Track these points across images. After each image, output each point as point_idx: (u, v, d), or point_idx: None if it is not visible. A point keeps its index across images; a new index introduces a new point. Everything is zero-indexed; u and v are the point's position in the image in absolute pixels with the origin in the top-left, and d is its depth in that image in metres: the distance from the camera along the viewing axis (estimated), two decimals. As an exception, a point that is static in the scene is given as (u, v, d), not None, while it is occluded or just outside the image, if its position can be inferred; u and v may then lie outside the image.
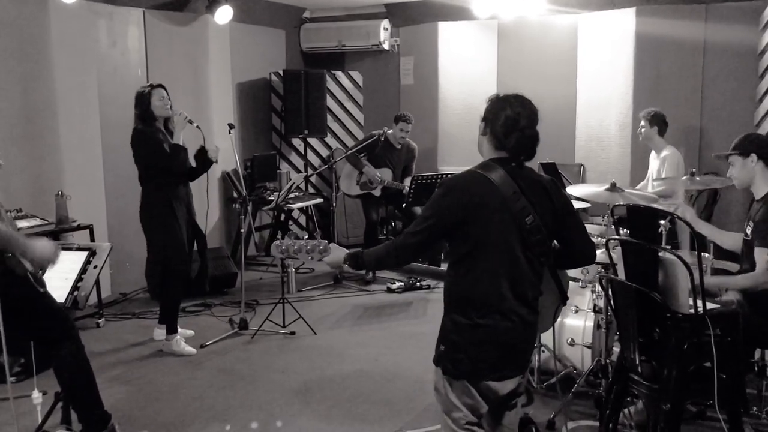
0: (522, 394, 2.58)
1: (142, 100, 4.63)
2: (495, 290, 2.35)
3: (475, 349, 2.37)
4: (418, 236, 2.41)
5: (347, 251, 2.59)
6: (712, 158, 6.47)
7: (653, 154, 5.90)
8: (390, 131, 6.67)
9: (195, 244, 4.98)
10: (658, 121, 5.61)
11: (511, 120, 2.39)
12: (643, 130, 5.66)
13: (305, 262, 2.42)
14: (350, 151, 6.75)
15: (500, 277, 2.35)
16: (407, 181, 6.57)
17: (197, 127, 4.73)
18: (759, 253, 3.17)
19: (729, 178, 3.58)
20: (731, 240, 3.65)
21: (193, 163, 4.88)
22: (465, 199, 2.34)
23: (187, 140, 4.76)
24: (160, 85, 4.71)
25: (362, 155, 6.72)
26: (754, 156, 3.34)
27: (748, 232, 3.29)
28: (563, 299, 2.69)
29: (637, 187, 6.03)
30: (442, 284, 2.53)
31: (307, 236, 2.64)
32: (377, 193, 6.78)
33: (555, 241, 2.53)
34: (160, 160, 4.58)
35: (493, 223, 2.33)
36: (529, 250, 2.38)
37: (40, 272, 3.13)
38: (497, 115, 2.42)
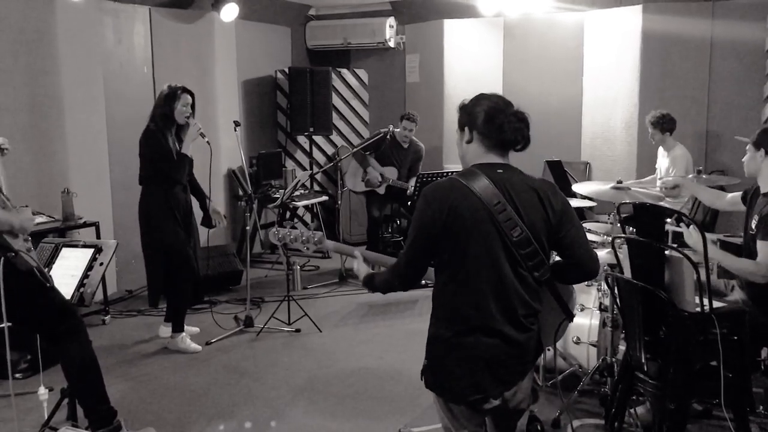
0: (524, 410, 2.41)
1: (170, 100, 4.58)
2: (477, 305, 2.20)
3: (455, 366, 2.23)
4: (409, 255, 2.29)
5: (369, 272, 2.53)
6: (719, 155, 6.49)
7: (662, 151, 5.91)
8: (397, 130, 6.67)
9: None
10: (665, 124, 5.66)
11: (492, 109, 2.25)
12: (654, 137, 5.74)
13: (303, 251, 2.47)
14: (357, 148, 6.75)
15: (483, 292, 2.19)
16: (412, 182, 6.56)
17: (207, 142, 4.67)
18: (762, 245, 3.15)
19: (735, 176, 3.58)
20: (711, 196, 3.88)
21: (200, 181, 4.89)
22: (443, 209, 2.18)
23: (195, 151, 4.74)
24: (189, 91, 4.67)
25: (369, 153, 6.72)
26: (762, 151, 3.35)
27: (753, 226, 3.28)
28: (569, 316, 2.51)
29: (642, 180, 6.05)
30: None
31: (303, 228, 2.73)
32: (381, 191, 6.78)
33: (555, 253, 2.37)
34: (164, 165, 4.55)
35: (474, 235, 2.17)
36: (520, 265, 2.20)
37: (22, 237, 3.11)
38: (475, 112, 2.27)
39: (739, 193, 3.68)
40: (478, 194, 2.18)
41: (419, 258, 2.29)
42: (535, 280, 2.25)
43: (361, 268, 2.56)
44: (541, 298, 2.32)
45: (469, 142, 2.31)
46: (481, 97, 2.31)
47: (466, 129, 2.31)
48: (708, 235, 3.00)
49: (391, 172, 6.75)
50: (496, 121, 2.24)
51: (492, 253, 2.18)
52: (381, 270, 2.52)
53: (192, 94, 4.68)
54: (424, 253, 2.27)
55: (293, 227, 2.76)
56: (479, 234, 2.18)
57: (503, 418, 2.38)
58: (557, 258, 2.40)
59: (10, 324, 3.08)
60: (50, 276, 3.21)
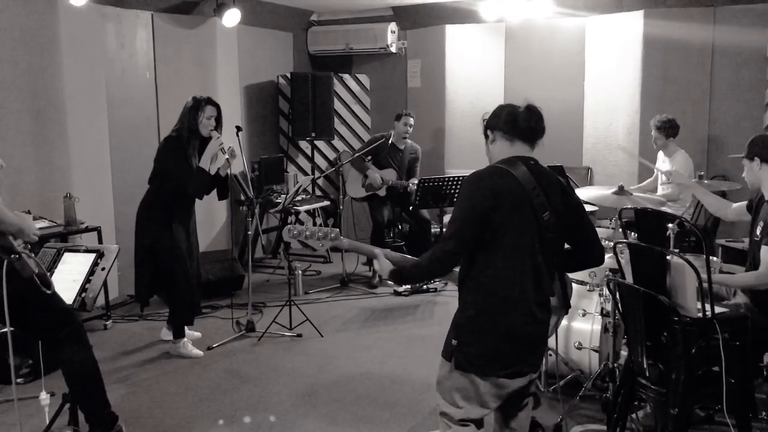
0: (533, 395, 2.58)
1: (194, 112, 4.50)
2: (516, 284, 2.37)
3: (490, 343, 2.38)
4: (453, 241, 2.39)
5: (392, 267, 2.58)
6: (720, 161, 6.49)
7: (661, 156, 5.91)
8: (394, 131, 6.71)
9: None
10: (670, 129, 5.69)
11: (512, 113, 2.51)
12: (657, 141, 5.76)
13: (316, 249, 2.47)
14: (356, 155, 6.78)
15: (521, 271, 2.37)
16: (412, 181, 6.61)
17: (227, 159, 4.60)
18: (765, 251, 3.16)
19: (736, 182, 3.59)
20: (717, 203, 3.96)
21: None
22: (490, 190, 2.36)
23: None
24: (214, 103, 4.59)
25: (368, 158, 6.75)
26: (757, 159, 3.35)
27: (758, 232, 3.28)
28: (566, 307, 2.66)
29: (643, 184, 6.07)
30: (449, 286, 2.53)
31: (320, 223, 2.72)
32: (382, 193, 6.80)
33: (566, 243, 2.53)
34: (179, 177, 4.48)
35: (516, 216, 2.36)
36: (545, 247, 2.40)
37: (23, 244, 3.09)
38: (499, 116, 2.53)
39: (744, 203, 3.67)
40: (519, 178, 2.37)
41: (468, 240, 2.40)
42: (552, 265, 2.46)
43: (384, 264, 2.62)
44: (554, 282, 2.52)
45: (493, 142, 2.54)
46: (505, 104, 2.59)
47: (489, 132, 2.56)
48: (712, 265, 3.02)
49: (390, 174, 6.79)
50: (511, 115, 2.50)
51: (528, 233, 2.39)
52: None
53: (217, 106, 4.61)
54: (472, 236, 2.39)
55: (313, 223, 2.78)
56: (519, 215, 2.37)
57: (515, 403, 2.53)
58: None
59: (12, 329, 3.08)
60: (51, 281, 3.19)
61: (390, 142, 6.64)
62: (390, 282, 2.67)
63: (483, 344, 2.39)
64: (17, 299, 2.97)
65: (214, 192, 4.86)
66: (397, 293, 6.28)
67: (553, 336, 2.77)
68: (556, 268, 2.51)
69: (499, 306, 2.38)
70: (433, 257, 2.44)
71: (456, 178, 6.22)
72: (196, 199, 4.77)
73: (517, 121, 2.48)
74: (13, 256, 2.94)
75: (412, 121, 6.73)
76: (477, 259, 2.41)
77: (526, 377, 2.46)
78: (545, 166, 2.54)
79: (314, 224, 8.10)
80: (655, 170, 6.01)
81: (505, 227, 2.35)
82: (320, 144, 8.20)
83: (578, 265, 2.72)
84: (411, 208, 6.66)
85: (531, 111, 2.51)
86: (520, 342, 2.40)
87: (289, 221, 7.60)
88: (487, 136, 2.58)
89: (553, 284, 2.49)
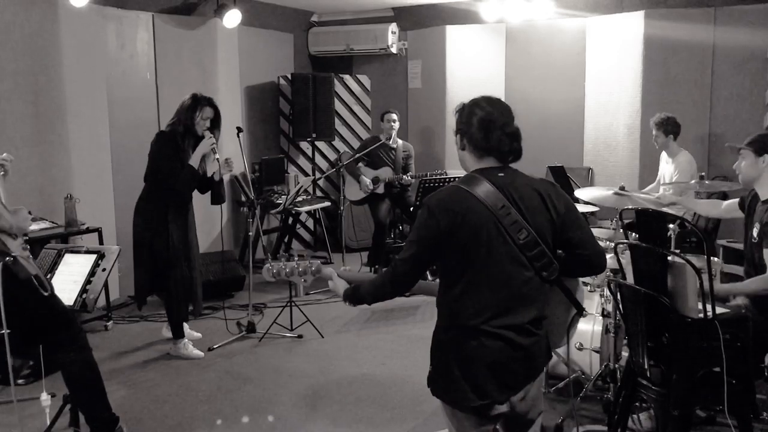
0: (534, 420, 2.38)
1: (191, 110, 4.51)
2: (480, 310, 2.19)
3: (459, 372, 2.21)
4: (409, 263, 2.26)
5: (346, 287, 2.46)
6: (721, 161, 6.48)
7: (665, 156, 5.90)
8: (383, 131, 6.79)
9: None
10: (669, 126, 5.66)
11: (486, 121, 2.24)
12: (658, 139, 5.74)
13: (301, 284, 2.34)
14: (355, 156, 6.84)
15: (486, 297, 2.19)
16: (407, 176, 6.76)
17: (216, 159, 4.59)
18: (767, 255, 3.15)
19: (736, 182, 3.58)
20: (708, 207, 4.10)
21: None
22: (448, 220, 2.16)
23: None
24: (213, 104, 4.59)
25: (363, 162, 6.85)
26: (767, 157, 3.33)
27: (755, 234, 3.27)
28: (579, 310, 2.49)
29: (646, 190, 6.05)
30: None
31: (297, 258, 2.52)
32: (381, 190, 6.83)
33: (561, 251, 2.33)
34: (167, 174, 4.49)
35: (479, 241, 2.16)
36: (526, 268, 2.20)
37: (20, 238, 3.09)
38: (470, 122, 2.26)
39: (735, 201, 3.67)
40: (482, 199, 2.17)
41: (419, 266, 2.27)
42: (543, 280, 2.25)
43: (339, 283, 2.51)
44: (547, 300, 2.31)
45: (462, 149, 2.32)
46: (475, 105, 2.30)
47: (459, 136, 2.32)
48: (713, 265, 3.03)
49: (387, 172, 6.85)
50: (486, 134, 2.24)
51: (496, 258, 2.18)
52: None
53: (215, 108, 4.60)
54: (424, 263, 2.27)
55: (288, 259, 2.65)
56: (484, 240, 2.17)
57: (512, 426, 2.36)
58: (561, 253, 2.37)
59: (9, 331, 3.07)
60: (50, 284, 3.19)
61: (388, 142, 6.73)
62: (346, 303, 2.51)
63: (452, 373, 2.22)
64: (15, 301, 2.96)
65: (209, 195, 4.86)
66: (397, 294, 6.28)
67: (564, 339, 2.58)
68: (554, 282, 2.31)
69: (463, 332, 2.21)
70: (387, 279, 2.32)
71: (456, 179, 6.21)
72: (194, 198, 4.77)
73: (489, 139, 2.23)
74: (7, 258, 2.94)
75: (394, 116, 6.87)
76: (445, 282, 2.27)
77: (505, 404, 2.25)
78: (522, 172, 2.31)
79: (314, 226, 8.10)
80: (658, 176, 6.00)
81: (466, 253, 2.17)
82: (321, 145, 8.20)
83: (576, 273, 2.48)
84: (411, 209, 6.68)
85: (512, 137, 2.25)
86: (491, 369, 2.20)
87: (289, 222, 7.60)
88: (456, 136, 2.33)
89: (546, 302, 2.30)
